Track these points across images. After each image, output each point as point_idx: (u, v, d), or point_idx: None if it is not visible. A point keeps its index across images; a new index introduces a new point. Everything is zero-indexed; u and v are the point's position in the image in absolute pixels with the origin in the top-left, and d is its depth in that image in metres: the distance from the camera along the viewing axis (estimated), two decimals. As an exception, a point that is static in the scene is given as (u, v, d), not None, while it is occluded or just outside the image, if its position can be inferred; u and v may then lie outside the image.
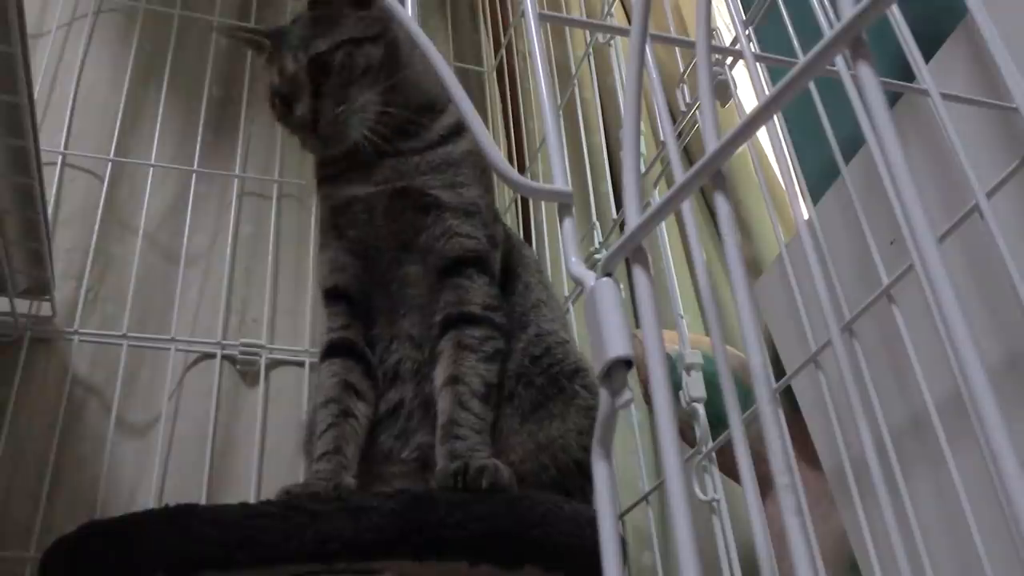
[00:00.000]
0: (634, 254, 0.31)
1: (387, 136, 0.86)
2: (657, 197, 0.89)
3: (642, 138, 1.41)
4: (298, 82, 0.87)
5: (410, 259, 0.87)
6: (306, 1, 0.92)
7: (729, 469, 0.88)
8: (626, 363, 0.29)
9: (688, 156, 1.45)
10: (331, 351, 0.88)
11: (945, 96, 0.61)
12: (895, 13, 0.68)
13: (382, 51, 0.88)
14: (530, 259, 0.99)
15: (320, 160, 0.94)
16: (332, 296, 0.91)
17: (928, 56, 0.70)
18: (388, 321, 0.88)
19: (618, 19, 1.47)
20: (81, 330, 1.25)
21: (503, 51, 1.69)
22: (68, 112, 1.38)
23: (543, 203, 1.34)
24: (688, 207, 0.35)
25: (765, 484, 0.32)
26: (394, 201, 0.87)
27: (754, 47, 0.84)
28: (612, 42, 1.14)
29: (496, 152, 0.36)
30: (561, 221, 0.34)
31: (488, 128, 1.57)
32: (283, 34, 0.90)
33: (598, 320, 0.29)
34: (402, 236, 0.87)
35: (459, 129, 0.92)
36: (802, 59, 0.26)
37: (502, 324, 0.86)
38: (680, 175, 0.30)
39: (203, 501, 1.17)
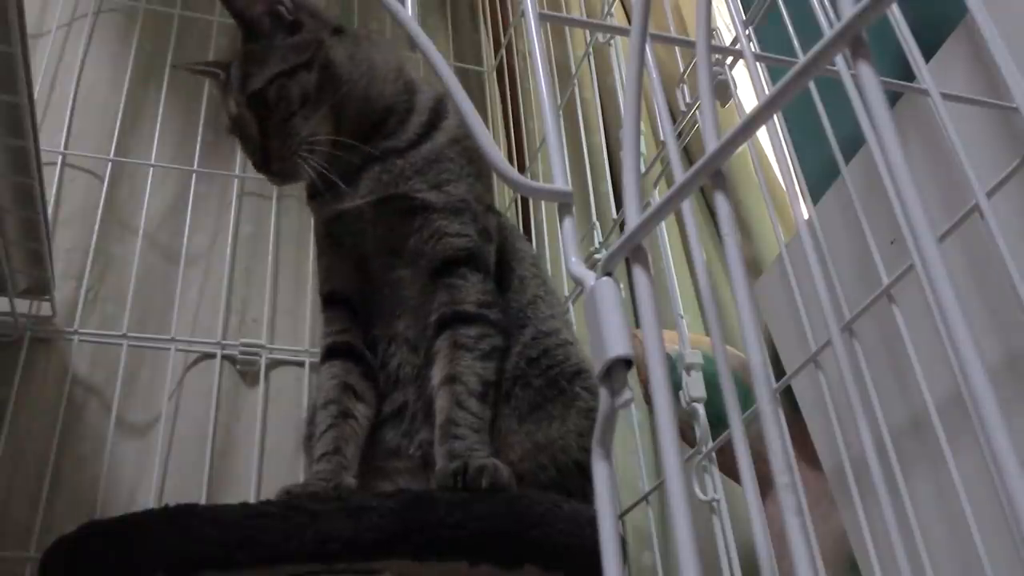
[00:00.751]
0: (634, 254, 0.31)
1: (345, 157, 0.86)
2: (657, 197, 0.89)
3: (642, 138, 1.41)
4: (243, 122, 0.86)
5: (402, 263, 0.87)
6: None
7: (729, 469, 0.88)
8: (626, 363, 0.29)
9: (688, 156, 1.45)
10: (330, 354, 0.89)
11: (945, 96, 0.61)
12: (895, 13, 0.68)
13: (316, 76, 0.86)
14: (525, 252, 0.98)
15: None
16: (330, 301, 0.91)
17: (928, 56, 0.70)
18: (385, 324, 0.88)
19: (618, 19, 1.47)
20: (81, 330, 1.25)
21: (503, 51, 1.69)
22: (68, 112, 1.38)
23: (543, 203, 1.34)
24: (688, 207, 0.35)
25: (765, 484, 0.32)
26: (381, 210, 0.87)
27: (754, 47, 0.84)
28: (612, 42, 1.14)
29: (496, 152, 0.36)
30: (561, 221, 0.34)
31: (488, 128, 1.57)
32: (229, 71, 0.89)
33: (598, 320, 0.29)
34: (392, 242, 0.87)
35: (435, 122, 0.91)
36: (802, 59, 0.26)
37: (498, 321, 0.85)
38: (680, 175, 0.30)
39: (203, 501, 1.17)
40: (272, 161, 0.85)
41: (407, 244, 0.87)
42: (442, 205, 0.87)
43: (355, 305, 0.90)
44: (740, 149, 0.73)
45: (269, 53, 0.87)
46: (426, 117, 0.91)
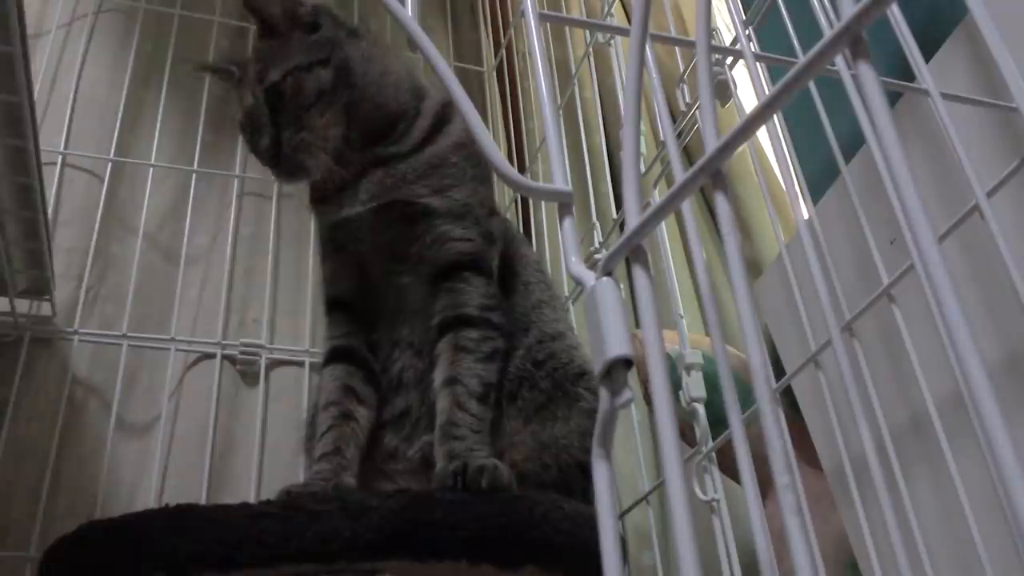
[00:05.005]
0: (634, 254, 0.31)
1: (352, 159, 0.86)
2: (657, 197, 0.89)
3: (642, 138, 1.40)
4: (257, 115, 0.86)
5: (405, 269, 0.87)
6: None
7: (729, 469, 0.88)
8: (626, 363, 0.29)
9: (688, 156, 1.45)
10: (333, 357, 0.89)
11: (945, 96, 0.61)
12: (895, 13, 0.68)
13: (332, 73, 0.87)
14: (530, 258, 0.99)
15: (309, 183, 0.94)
16: (333, 306, 0.92)
17: (928, 56, 0.70)
18: (389, 329, 0.89)
19: (618, 19, 1.47)
20: (81, 330, 1.25)
21: (503, 51, 1.69)
22: (68, 112, 1.38)
23: (543, 203, 1.34)
24: (688, 207, 0.35)
25: (765, 484, 0.32)
26: (383, 216, 0.87)
27: (754, 47, 0.84)
28: (612, 42, 1.14)
29: (496, 152, 0.36)
30: (561, 221, 0.34)
31: (488, 128, 1.57)
32: (245, 66, 0.90)
33: (598, 320, 0.29)
34: (396, 248, 0.87)
35: (439, 126, 0.92)
36: (802, 59, 0.26)
37: (501, 323, 0.85)
38: (680, 175, 0.30)
39: (203, 501, 1.17)
40: (283, 155, 0.85)
41: (410, 250, 0.87)
42: (445, 210, 0.87)
43: (358, 310, 0.90)
44: (740, 149, 0.73)
45: (287, 49, 0.88)
46: (430, 121, 0.92)
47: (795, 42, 0.78)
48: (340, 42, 0.89)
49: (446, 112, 0.93)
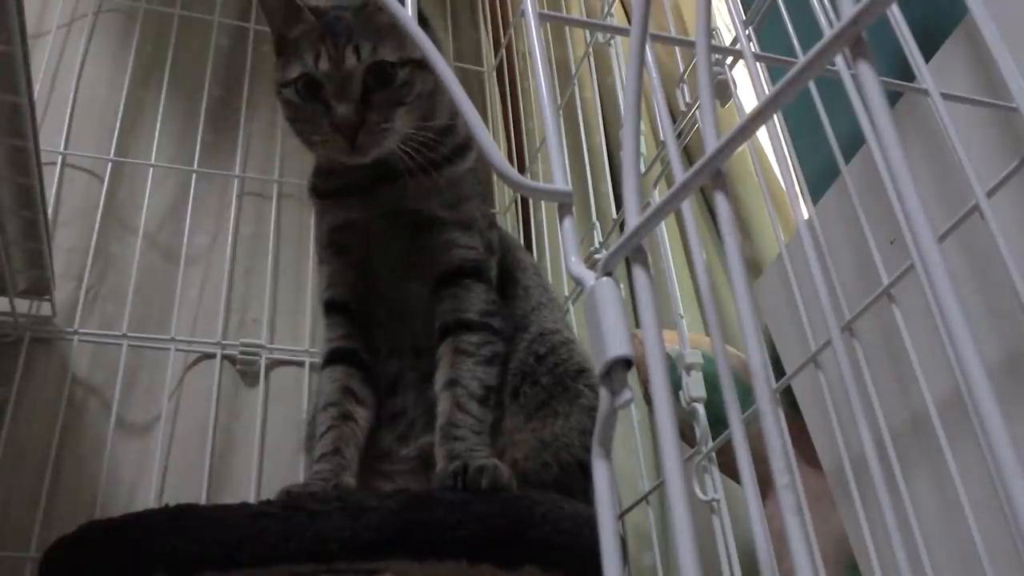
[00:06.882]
0: (634, 254, 0.31)
1: (412, 156, 0.82)
2: (657, 197, 0.89)
3: (642, 138, 1.40)
4: (351, 81, 0.79)
5: (410, 275, 0.88)
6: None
7: (729, 469, 0.88)
8: (626, 362, 0.29)
9: (688, 156, 1.45)
10: (332, 358, 0.89)
11: (945, 96, 0.61)
12: (895, 13, 0.68)
13: (433, 82, 0.82)
14: (528, 263, 1.00)
15: (322, 169, 0.93)
16: (331, 308, 0.92)
17: (928, 56, 0.70)
18: (389, 332, 0.89)
19: (618, 19, 1.46)
20: (81, 330, 1.25)
21: (503, 51, 1.69)
22: (68, 112, 1.38)
23: (543, 203, 1.34)
24: (688, 207, 0.35)
25: (765, 484, 0.32)
26: (393, 222, 0.87)
27: (754, 47, 0.83)
28: (612, 42, 1.14)
29: (496, 152, 0.36)
30: (561, 221, 0.34)
31: (488, 128, 1.57)
32: (335, 20, 0.81)
33: (598, 320, 0.29)
34: (402, 255, 0.88)
35: (464, 149, 0.91)
36: (802, 59, 0.26)
37: (501, 329, 0.86)
38: (680, 175, 0.30)
39: (203, 501, 1.17)
40: (363, 131, 0.79)
41: (418, 258, 0.87)
42: (454, 220, 0.88)
43: (356, 312, 0.90)
44: (740, 149, 0.73)
45: (399, 32, 0.81)
46: (461, 141, 0.91)
47: (795, 42, 0.78)
48: (440, 44, 0.88)
49: (471, 140, 0.93)
